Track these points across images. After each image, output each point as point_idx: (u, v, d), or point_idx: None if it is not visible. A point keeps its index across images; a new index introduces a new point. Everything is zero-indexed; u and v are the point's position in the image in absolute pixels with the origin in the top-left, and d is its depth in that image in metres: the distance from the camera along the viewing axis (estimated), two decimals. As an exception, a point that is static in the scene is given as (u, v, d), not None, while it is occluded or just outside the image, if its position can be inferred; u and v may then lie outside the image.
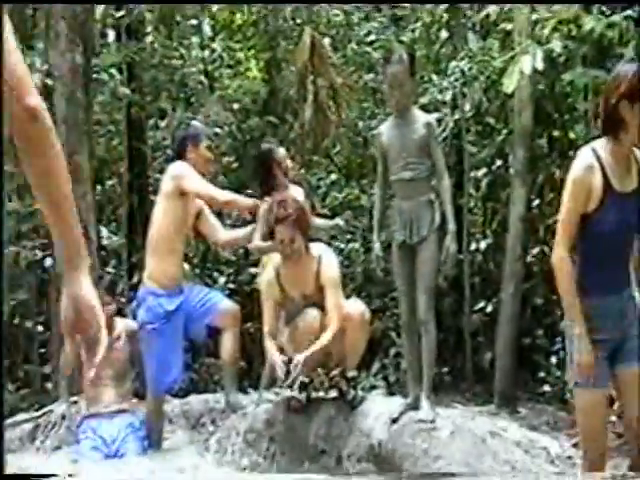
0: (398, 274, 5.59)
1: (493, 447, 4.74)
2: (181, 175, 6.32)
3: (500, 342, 8.66)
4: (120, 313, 7.27)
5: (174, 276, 6.48)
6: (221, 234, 6.80)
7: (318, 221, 7.21)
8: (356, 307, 5.84)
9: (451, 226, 5.27)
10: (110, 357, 6.66)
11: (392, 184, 5.58)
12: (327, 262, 5.82)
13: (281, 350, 6.18)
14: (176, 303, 6.40)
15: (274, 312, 5.93)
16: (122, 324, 6.90)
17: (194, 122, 7.25)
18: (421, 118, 5.44)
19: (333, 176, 11.75)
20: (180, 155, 6.50)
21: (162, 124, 12.59)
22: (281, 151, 6.86)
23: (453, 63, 9.76)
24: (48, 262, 9.69)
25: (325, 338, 5.60)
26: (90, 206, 8.92)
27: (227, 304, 6.70)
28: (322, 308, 5.67)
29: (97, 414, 6.64)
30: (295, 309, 5.86)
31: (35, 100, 2.02)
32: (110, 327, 6.71)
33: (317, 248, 5.92)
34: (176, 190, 6.31)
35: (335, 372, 6.04)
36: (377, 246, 5.64)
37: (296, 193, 6.73)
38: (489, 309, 9.44)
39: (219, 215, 7.22)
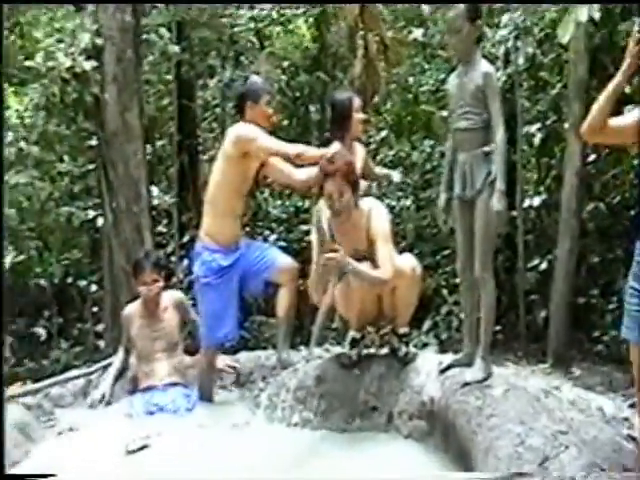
0: (457, 228, 5.48)
1: (548, 405, 4.64)
2: (246, 137, 6.25)
3: (554, 300, 8.55)
4: (167, 285, 7.28)
5: (231, 234, 6.49)
6: (297, 174, 6.46)
7: (372, 165, 7.16)
8: (408, 262, 5.75)
9: (499, 184, 5.07)
10: (160, 330, 6.71)
11: (452, 134, 5.47)
12: (377, 215, 5.74)
13: (332, 308, 6.16)
14: (231, 259, 6.42)
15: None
16: (168, 296, 6.93)
17: (253, 77, 7.06)
18: (481, 67, 5.26)
19: (383, 133, 11.63)
20: (241, 112, 6.45)
21: (211, 83, 12.54)
22: (358, 101, 6.66)
23: (506, 16, 9.56)
24: (100, 222, 9.68)
25: (373, 272, 5.53)
26: (141, 164, 8.93)
27: (285, 260, 6.68)
28: (374, 263, 5.59)
29: (151, 387, 6.69)
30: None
31: None
32: (157, 303, 6.76)
33: (367, 202, 5.85)
34: (240, 152, 6.26)
35: (386, 329, 6.00)
36: (442, 197, 5.53)
37: (358, 147, 6.63)
38: (543, 267, 9.29)
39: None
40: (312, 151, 6.33)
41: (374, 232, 5.67)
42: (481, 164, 5.18)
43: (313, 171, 6.08)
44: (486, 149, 5.17)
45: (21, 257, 12.20)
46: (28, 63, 9.23)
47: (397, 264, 5.65)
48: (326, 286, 5.94)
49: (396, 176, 7.30)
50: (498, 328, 9.19)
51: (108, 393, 6.84)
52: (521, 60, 9.59)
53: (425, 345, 8.18)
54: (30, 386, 6.99)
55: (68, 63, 8.77)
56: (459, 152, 5.34)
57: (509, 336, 9.29)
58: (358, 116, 6.51)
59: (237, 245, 6.52)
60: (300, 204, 10.79)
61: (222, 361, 6.96)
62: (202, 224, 6.56)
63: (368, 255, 5.63)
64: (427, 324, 8.86)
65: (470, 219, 5.27)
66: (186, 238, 10.14)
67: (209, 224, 6.47)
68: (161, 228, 10.98)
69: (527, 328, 9.17)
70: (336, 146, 6.14)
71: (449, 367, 5.48)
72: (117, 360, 7.10)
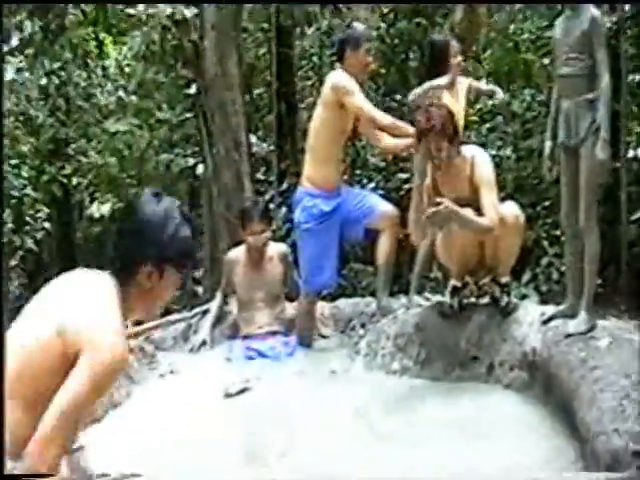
0: (561, 177, 5.37)
1: (654, 359, 4.55)
2: (343, 88, 6.27)
3: (659, 253, 8.37)
4: (274, 238, 7.32)
5: (331, 180, 6.51)
6: (384, 138, 6.65)
7: (475, 84, 7.16)
8: (510, 210, 5.66)
9: (603, 132, 4.95)
10: (263, 279, 6.75)
11: (556, 81, 5.36)
12: (480, 162, 5.66)
13: (434, 256, 6.12)
14: (333, 204, 6.44)
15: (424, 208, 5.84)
16: (274, 247, 6.97)
17: (355, 24, 7.08)
18: (588, 12, 5.13)
19: (483, 81, 11.44)
20: (340, 58, 6.44)
21: (309, 31, 12.48)
22: (456, 45, 6.59)
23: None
24: (199, 169, 9.76)
25: (479, 219, 5.47)
26: (239, 112, 8.96)
27: (386, 206, 6.67)
28: (477, 210, 5.53)
29: (251, 335, 6.75)
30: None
31: None
32: (263, 252, 6.79)
33: (469, 149, 5.78)
34: (336, 102, 6.31)
35: (486, 280, 5.94)
36: (548, 145, 5.43)
37: (460, 79, 6.58)
38: (646, 219, 9.09)
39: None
40: (402, 126, 6.35)
41: (478, 179, 5.60)
42: (585, 111, 5.05)
43: (401, 143, 6.41)
44: (590, 96, 5.04)
45: (121, 204, 12.47)
46: (129, 11, 9.29)
47: (500, 212, 5.57)
48: (425, 229, 5.90)
49: (499, 93, 7.18)
50: (600, 282, 9.04)
51: (208, 339, 6.93)
52: (627, 6, 9.32)
53: (524, 297, 8.07)
54: (131, 329, 7.12)
55: (168, 10, 8.81)
56: (563, 99, 5.22)
57: (611, 290, 9.12)
58: (456, 60, 6.44)
59: (338, 191, 6.53)
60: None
61: (321, 308, 7.00)
62: (303, 170, 6.59)
63: (471, 203, 5.56)
64: (527, 276, 8.74)
65: (574, 167, 5.16)
66: (285, 185, 10.16)
67: (310, 170, 6.50)
68: (259, 176, 11.02)
69: (629, 282, 8.99)
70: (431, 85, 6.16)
71: (551, 318, 5.39)
72: (215, 306, 7.18)
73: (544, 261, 9.00)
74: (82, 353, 2.72)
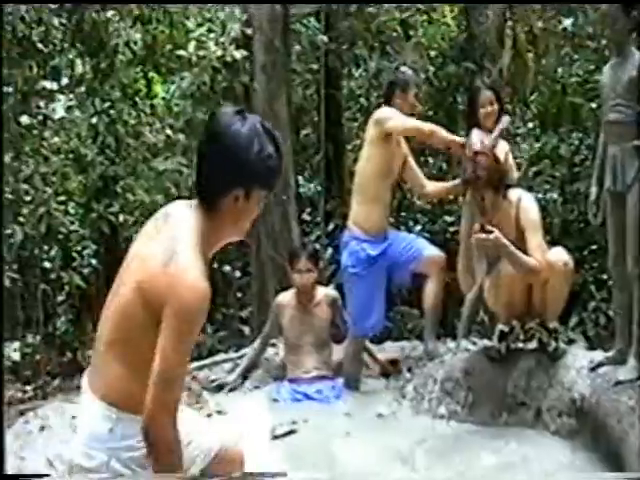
0: (608, 222, 5.36)
1: None
2: (385, 118, 6.32)
3: None
4: (320, 282, 7.33)
5: (378, 222, 6.52)
6: (427, 184, 6.75)
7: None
8: (559, 255, 5.65)
9: None
10: (311, 323, 6.76)
11: (603, 127, 5.37)
12: (526, 205, 5.68)
13: (481, 300, 6.12)
14: (380, 249, 6.46)
15: (470, 254, 5.92)
16: (322, 292, 6.96)
17: (404, 68, 7.11)
18: (636, 59, 5.14)
19: (530, 124, 11.44)
20: (387, 100, 6.50)
21: (357, 73, 12.57)
22: (486, 93, 6.57)
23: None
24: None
25: (527, 258, 5.48)
26: (288, 152, 9.02)
27: (433, 251, 6.67)
28: (524, 254, 5.53)
29: (298, 378, 6.75)
30: (496, 257, 5.74)
31: None
32: (311, 295, 6.80)
33: (515, 193, 5.78)
34: (381, 134, 6.33)
35: (533, 323, 5.92)
36: (593, 191, 5.44)
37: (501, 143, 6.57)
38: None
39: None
40: (446, 134, 6.34)
41: (524, 222, 5.62)
42: (632, 158, 5.05)
43: (446, 185, 6.64)
44: (638, 143, 5.04)
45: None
46: (180, 52, 9.43)
47: (549, 257, 5.57)
48: (474, 275, 5.92)
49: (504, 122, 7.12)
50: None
51: (232, 382, 6.92)
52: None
53: (571, 341, 8.00)
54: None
55: (219, 52, 8.93)
56: (610, 145, 5.23)
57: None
58: (485, 110, 6.45)
59: (385, 235, 6.55)
60: (445, 194, 10.73)
61: (385, 357, 7.01)
62: (350, 213, 6.61)
63: (519, 246, 5.56)
64: (574, 320, 8.66)
65: (621, 213, 5.15)
66: (331, 226, 10.20)
67: (357, 212, 6.52)
68: (305, 216, 11.07)
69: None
70: (476, 133, 6.13)
71: (600, 364, 5.36)
72: (252, 349, 7.18)
73: (591, 305, 8.92)
74: (165, 305, 2.74)
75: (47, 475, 2.56)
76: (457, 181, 6.43)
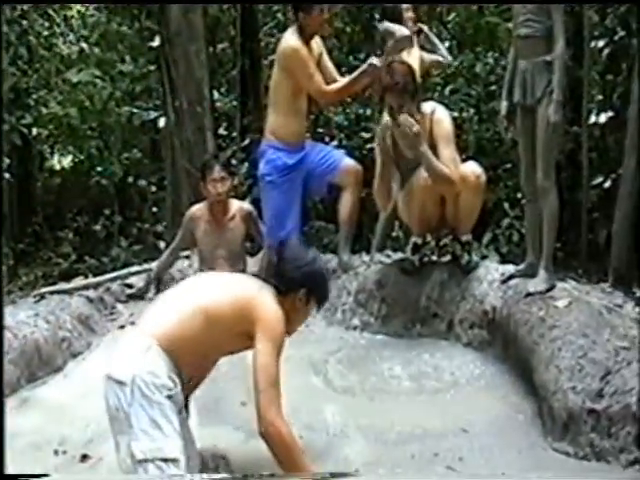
0: (519, 136, 5.40)
1: (611, 321, 4.57)
2: (292, 61, 6.19)
3: (618, 219, 8.36)
4: (235, 195, 7.23)
5: (295, 132, 6.45)
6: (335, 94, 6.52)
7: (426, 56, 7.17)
8: (472, 167, 5.69)
9: (556, 95, 4.99)
10: (224, 237, 6.68)
11: (514, 41, 5.37)
12: (439, 117, 5.69)
13: (394, 216, 6.13)
14: (296, 158, 6.40)
15: (387, 171, 5.87)
16: (237, 205, 6.86)
17: None
18: None
19: (446, 43, 11.41)
20: (295, 14, 6.35)
21: (274, -13, 12.37)
22: (405, 6, 6.53)
23: None
24: (161, 123, 9.65)
25: (440, 164, 5.52)
26: (203, 65, 8.88)
27: (350, 162, 6.61)
28: None
29: None
30: (409, 171, 5.75)
31: None
32: (225, 207, 6.71)
33: (429, 105, 5.80)
34: (288, 68, 6.23)
35: (447, 240, 5.97)
36: (504, 105, 5.45)
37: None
38: (607, 185, 9.10)
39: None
40: (355, 79, 6.23)
41: (437, 134, 5.63)
42: (542, 72, 5.08)
43: (346, 80, 6.30)
44: (548, 58, 5.05)
45: (82, 156, 12.35)
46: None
47: (462, 169, 5.62)
48: (390, 193, 5.91)
49: (447, 57, 7.14)
50: (559, 246, 9.07)
51: (141, 289, 6.89)
52: (590, -28, 9.28)
53: (484, 258, 8.05)
54: (92, 279, 7.08)
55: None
56: (520, 59, 5.24)
57: (570, 254, 9.17)
58: (408, 14, 6.42)
59: (302, 145, 6.48)
60: (362, 111, 10.63)
61: None
62: (267, 123, 6.52)
63: None
64: (487, 237, 8.74)
65: (531, 127, 5.19)
66: (247, 141, 10.07)
67: (274, 122, 6.43)
68: (222, 131, 10.92)
69: (588, 247, 9.03)
70: (373, 59, 6.07)
71: (511, 277, 5.44)
72: (160, 259, 7.12)
73: (504, 223, 9.00)
74: (259, 327, 3.50)
75: (47, 475, 2.66)
76: (362, 67, 6.25)
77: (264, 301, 3.60)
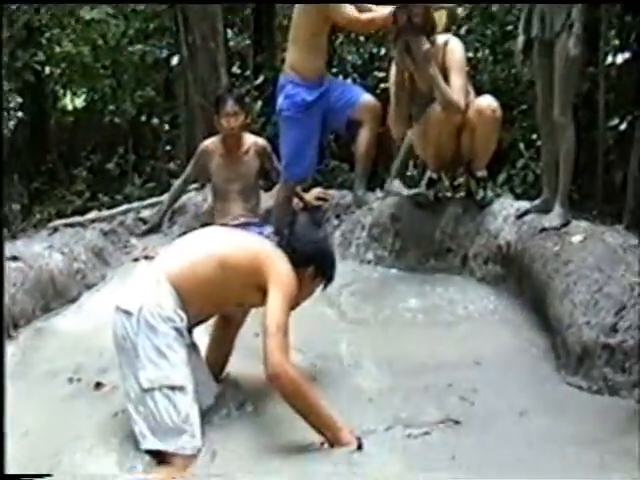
0: (536, 71, 5.32)
1: (626, 258, 4.54)
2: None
3: (634, 161, 8.32)
4: (249, 129, 7.20)
5: (315, 68, 6.41)
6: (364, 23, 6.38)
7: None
8: (488, 101, 5.67)
9: (575, 28, 4.87)
10: (238, 171, 6.65)
11: None
12: (452, 47, 5.68)
13: (411, 149, 6.10)
14: (316, 94, 6.37)
15: (404, 104, 5.83)
16: (251, 139, 6.82)
17: None
18: None
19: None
20: None
21: None
22: None
23: None
24: (175, 60, 9.59)
25: (448, 88, 5.53)
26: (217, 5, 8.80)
27: (369, 98, 6.58)
28: None
29: (225, 225, 6.68)
30: (424, 105, 5.72)
31: None
32: (239, 141, 6.67)
33: (443, 37, 5.77)
34: (320, 15, 6.18)
35: (462, 178, 5.95)
36: (520, 40, 5.37)
37: None
38: (623, 127, 9.03)
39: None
40: (380, 16, 6.10)
41: (448, 63, 5.63)
42: (561, 6, 4.98)
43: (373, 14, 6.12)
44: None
45: (95, 95, 12.28)
46: None
47: (477, 103, 5.62)
48: (406, 122, 5.87)
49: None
50: (574, 188, 9.00)
51: (154, 220, 6.90)
52: None
53: (499, 196, 8.09)
54: (105, 212, 7.09)
55: None
56: None
57: (585, 197, 9.12)
58: None
59: (321, 81, 6.43)
60: (375, 51, 10.55)
61: (312, 195, 6.99)
62: (287, 58, 6.49)
63: None
64: (502, 177, 8.69)
65: (549, 62, 5.10)
66: (260, 80, 10.01)
67: (294, 58, 6.39)
68: (235, 69, 10.83)
69: (604, 189, 8.98)
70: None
71: (526, 212, 5.41)
72: (172, 190, 7.11)
73: (520, 163, 8.95)
74: (271, 276, 3.56)
75: (49, 475, 2.69)
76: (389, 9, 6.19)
77: (279, 259, 3.68)
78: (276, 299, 3.48)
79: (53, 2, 10.18)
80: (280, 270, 3.61)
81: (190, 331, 3.69)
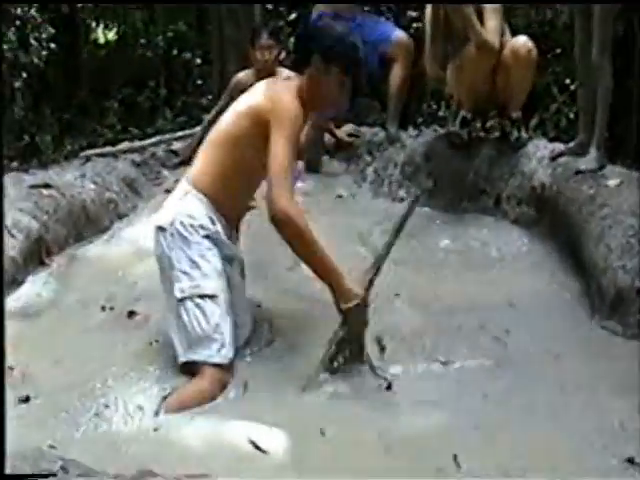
0: (575, 11, 5.24)
1: (662, 202, 4.50)
2: None
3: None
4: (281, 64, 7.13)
5: (348, 4, 6.36)
6: None
7: None
8: (523, 42, 5.60)
9: None
10: None
11: None
12: None
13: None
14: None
15: (438, 44, 5.79)
16: (285, 74, 6.72)
17: None
18: None
19: None
20: None
21: None
22: None
23: None
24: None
25: (481, 28, 5.47)
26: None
27: (402, 34, 6.59)
28: None
29: None
30: (460, 44, 5.66)
31: None
32: (273, 74, 6.61)
33: None
34: None
35: (495, 120, 5.89)
36: None
37: None
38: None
39: None
40: None
41: (484, 5, 5.52)
42: None
43: None
44: None
45: (127, 28, 12.23)
46: None
47: (513, 43, 5.57)
48: (442, 60, 5.82)
49: None
50: (608, 137, 8.89)
51: (187, 156, 6.87)
52: None
53: (531, 138, 8.03)
54: (137, 143, 7.08)
55: None
56: None
57: (619, 144, 9.02)
58: None
59: (353, 16, 6.37)
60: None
61: (344, 131, 6.94)
62: None
63: None
64: (534, 121, 8.60)
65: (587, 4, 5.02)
66: (294, 15, 9.93)
67: None
68: (268, 6, 10.73)
69: (638, 138, 8.87)
70: None
71: (561, 154, 5.34)
72: (204, 123, 7.04)
73: (553, 108, 8.86)
74: (271, 121, 3.39)
75: (53, 475, 2.71)
76: None
77: (276, 94, 3.51)
78: (277, 139, 3.35)
79: (56, 2, 10.09)
80: (278, 104, 3.44)
81: (233, 241, 3.74)
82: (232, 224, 3.76)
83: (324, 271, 3.38)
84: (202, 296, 3.45)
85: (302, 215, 3.36)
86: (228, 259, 3.67)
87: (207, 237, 3.53)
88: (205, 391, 3.31)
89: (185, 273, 3.48)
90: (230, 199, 3.66)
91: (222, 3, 8.70)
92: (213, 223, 3.56)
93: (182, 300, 3.47)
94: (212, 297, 3.46)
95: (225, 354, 3.42)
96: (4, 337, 2.41)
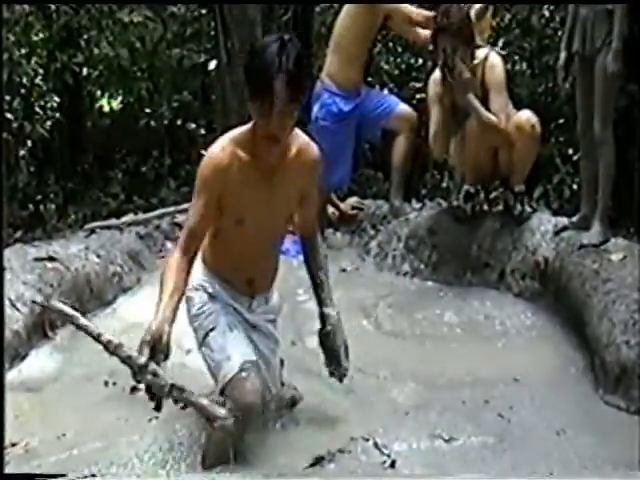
0: (577, 87, 5.29)
1: (665, 278, 4.51)
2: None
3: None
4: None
5: (353, 78, 6.47)
6: (420, 31, 6.42)
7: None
8: (527, 116, 5.62)
9: (614, 44, 4.86)
10: None
11: None
12: (492, 64, 5.61)
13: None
14: (352, 104, 6.42)
15: (441, 117, 5.78)
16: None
17: None
18: None
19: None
20: None
21: None
22: None
23: None
24: (212, 65, 9.61)
25: (486, 112, 5.49)
26: (257, 6, 8.82)
27: (405, 108, 6.61)
28: None
29: None
30: (463, 118, 5.69)
31: None
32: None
33: (482, 51, 5.70)
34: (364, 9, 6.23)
35: (499, 191, 5.92)
36: (562, 56, 5.34)
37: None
38: (662, 145, 8.95)
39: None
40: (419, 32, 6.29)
41: (488, 81, 5.57)
42: (602, 21, 4.94)
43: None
44: (609, 6, 4.92)
45: (132, 98, 12.33)
46: None
47: (516, 118, 5.58)
48: (446, 139, 5.85)
49: None
50: (611, 205, 8.90)
51: None
52: None
53: (535, 212, 8.05)
54: (141, 215, 7.11)
55: None
56: (582, 7, 5.10)
57: (622, 215, 9.03)
58: None
59: (358, 92, 6.46)
60: (412, 61, 10.55)
61: (347, 204, 6.98)
62: (325, 66, 6.51)
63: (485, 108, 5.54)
64: (538, 192, 8.63)
65: (590, 78, 5.07)
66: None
67: (332, 67, 6.43)
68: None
69: (640, 206, 8.90)
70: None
71: (564, 229, 5.37)
72: None
73: (556, 178, 8.89)
74: None
75: (59, 475, 2.75)
76: None
77: (209, 151, 3.48)
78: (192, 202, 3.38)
79: (61, 3, 10.18)
80: (199, 170, 3.41)
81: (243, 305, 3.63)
82: (242, 290, 3.64)
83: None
84: (205, 335, 3.47)
85: (173, 266, 3.21)
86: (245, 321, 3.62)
87: (207, 294, 3.54)
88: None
89: (194, 329, 3.54)
90: (221, 261, 3.60)
91: (224, 3, 8.80)
92: (210, 284, 3.55)
93: (200, 349, 3.52)
94: (212, 329, 3.47)
95: (233, 364, 3.34)
96: (3, 340, 2.39)
